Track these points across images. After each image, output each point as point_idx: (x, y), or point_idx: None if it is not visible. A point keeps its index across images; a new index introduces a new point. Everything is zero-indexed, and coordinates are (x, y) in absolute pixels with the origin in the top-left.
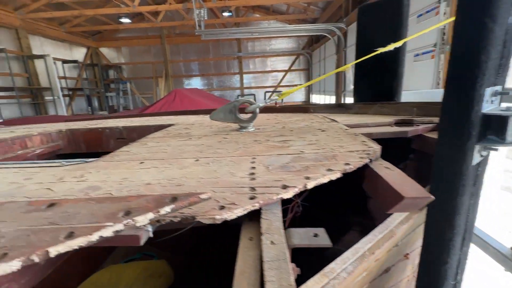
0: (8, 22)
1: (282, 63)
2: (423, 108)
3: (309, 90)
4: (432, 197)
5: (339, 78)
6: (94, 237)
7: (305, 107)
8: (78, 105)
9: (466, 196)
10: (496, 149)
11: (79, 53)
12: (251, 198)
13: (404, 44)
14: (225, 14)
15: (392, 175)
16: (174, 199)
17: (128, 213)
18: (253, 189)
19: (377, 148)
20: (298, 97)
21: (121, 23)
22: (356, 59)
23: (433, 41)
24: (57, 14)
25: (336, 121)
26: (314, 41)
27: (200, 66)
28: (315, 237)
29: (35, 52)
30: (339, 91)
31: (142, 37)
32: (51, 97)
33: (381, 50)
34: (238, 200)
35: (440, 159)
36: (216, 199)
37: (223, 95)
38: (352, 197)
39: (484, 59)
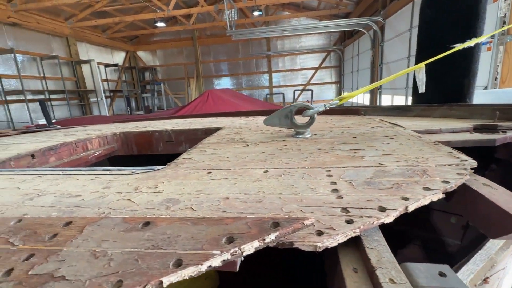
0: (60, 31)
1: (312, 60)
2: (506, 111)
3: (340, 88)
4: None
5: (374, 75)
6: (204, 267)
7: (355, 109)
8: (118, 106)
9: None
10: None
11: (119, 57)
12: (348, 222)
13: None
14: (256, 13)
15: (499, 195)
16: (276, 224)
17: (231, 240)
18: (345, 210)
19: (472, 162)
20: (329, 95)
21: (156, 27)
22: (417, 55)
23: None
24: (101, 21)
25: (401, 126)
26: (347, 37)
27: (230, 66)
28: (441, 276)
29: (82, 57)
30: (374, 88)
31: (175, 40)
32: (95, 99)
33: (460, 46)
34: (335, 224)
35: None
36: None
37: (251, 94)
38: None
39: None
